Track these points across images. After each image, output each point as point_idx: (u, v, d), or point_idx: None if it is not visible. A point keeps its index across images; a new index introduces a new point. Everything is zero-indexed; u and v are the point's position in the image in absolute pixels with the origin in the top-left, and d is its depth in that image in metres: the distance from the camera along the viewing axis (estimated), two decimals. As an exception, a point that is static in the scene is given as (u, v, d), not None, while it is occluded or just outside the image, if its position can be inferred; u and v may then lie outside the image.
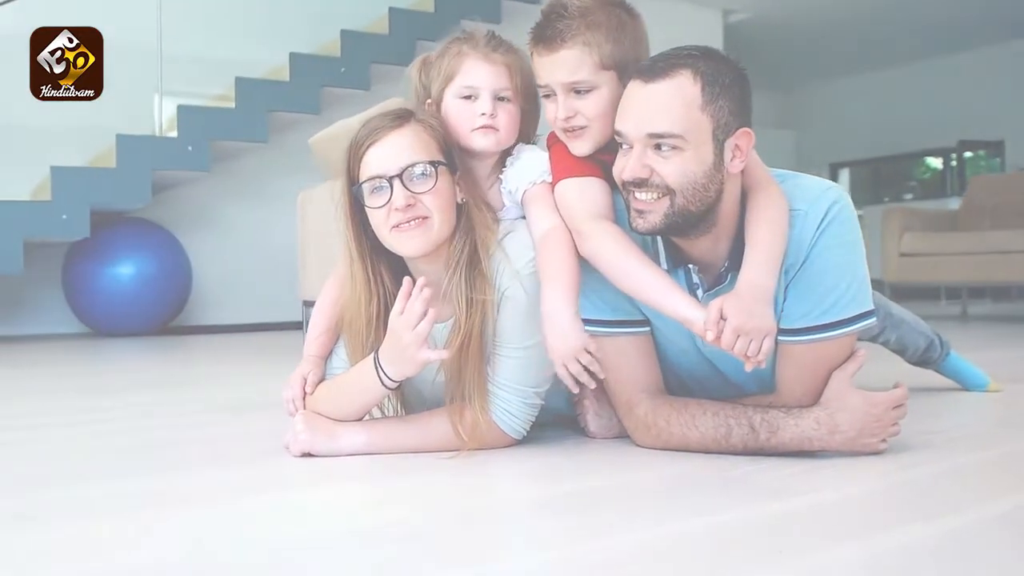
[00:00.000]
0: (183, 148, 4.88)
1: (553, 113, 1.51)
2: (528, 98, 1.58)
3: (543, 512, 1.24)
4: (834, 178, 10.59)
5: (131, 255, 4.84)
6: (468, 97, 1.54)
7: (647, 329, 1.55)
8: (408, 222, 1.46)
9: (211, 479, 1.44)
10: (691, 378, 1.61)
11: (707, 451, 1.48)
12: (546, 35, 1.48)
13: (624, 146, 1.41)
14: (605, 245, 1.44)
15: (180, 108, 4.94)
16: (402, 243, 1.49)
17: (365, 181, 1.47)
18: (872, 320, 1.48)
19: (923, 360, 2.15)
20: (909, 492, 1.28)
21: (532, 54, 1.52)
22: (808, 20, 8.18)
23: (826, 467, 1.39)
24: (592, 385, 1.42)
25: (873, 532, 1.08)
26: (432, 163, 1.47)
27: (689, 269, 1.48)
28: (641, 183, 1.38)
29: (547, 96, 1.52)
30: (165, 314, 5.05)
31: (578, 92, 1.48)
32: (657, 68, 1.38)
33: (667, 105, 1.35)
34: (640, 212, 1.40)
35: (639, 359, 1.55)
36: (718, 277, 1.46)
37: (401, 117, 1.50)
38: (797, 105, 10.71)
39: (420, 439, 1.54)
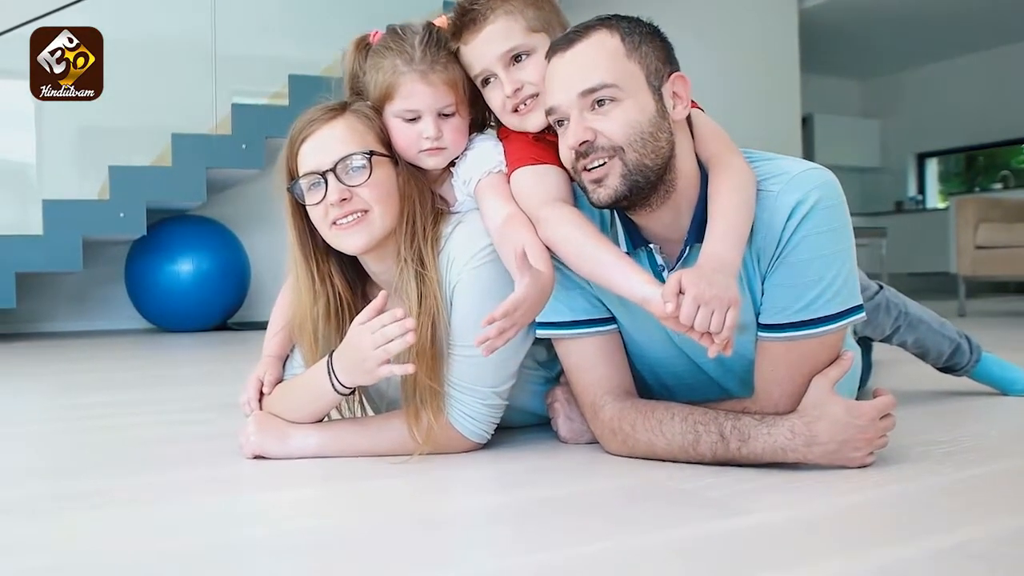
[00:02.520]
0: (237, 146, 4.94)
1: (500, 95, 1.42)
2: (476, 97, 1.48)
3: (484, 523, 1.17)
4: (921, 169, 10.10)
5: (190, 252, 4.92)
6: (411, 119, 1.45)
7: (611, 327, 1.44)
8: (346, 217, 1.40)
9: (161, 480, 1.40)
10: (669, 375, 1.49)
11: (675, 459, 1.36)
12: (466, 21, 1.41)
13: (563, 124, 1.32)
14: (562, 228, 1.33)
15: (234, 106, 5.00)
16: (343, 240, 1.42)
17: (302, 177, 1.41)
18: (859, 316, 1.34)
19: (949, 367, 1.96)
20: (882, 512, 1.14)
21: (458, 50, 1.44)
22: (890, 2, 7.80)
23: (798, 481, 1.25)
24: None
25: (819, 557, 0.95)
26: (366, 154, 1.40)
27: (651, 249, 1.37)
28: (588, 148, 1.29)
29: (487, 82, 1.44)
30: (224, 310, 5.12)
31: (517, 60, 1.41)
32: (571, 35, 1.33)
33: (592, 60, 1.29)
34: (597, 181, 1.30)
35: (603, 360, 1.44)
36: (681, 252, 1.35)
37: (334, 110, 1.44)
38: (881, 93, 10.24)
39: (374, 442, 1.47)
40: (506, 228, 1.36)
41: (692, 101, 1.44)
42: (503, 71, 1.40)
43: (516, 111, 1.42)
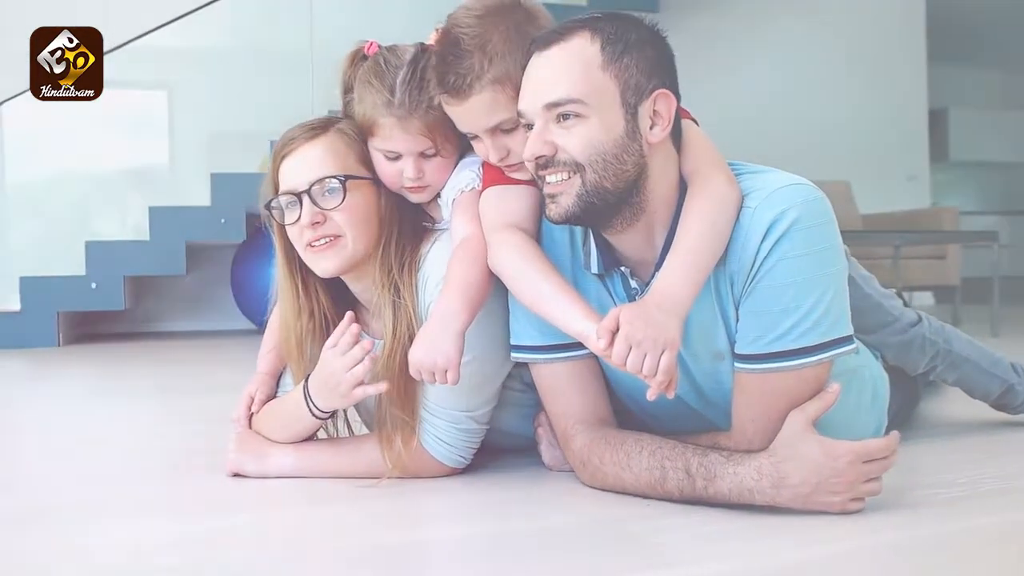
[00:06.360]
0: (331, 152, 5.05)
1: (484, 153, 1.35)
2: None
3: (416, 559, 1.12)
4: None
5: (289, 256, 5.08)
6: (393, 158, 1.41)
7: (584, 352, 1.36)
8: (319, 240, 1.38)
9: (135, 496, 1.43)
10: (648, 402, 1.40)
11: (644, 496, 1.27)
12: (449, 83, 1.30)
13: (529, 129, 1.24)
14: (505, 256, 1.28)
15: (329, 113, 5.10)
16: (315, 262, 1.41)
17: (280, 196, 1.41)
18: (845, 349, 1.22)
19: (999, 406, 1.78)
20: (839, 572, 1.02)
21: (440, 101, 1.33)
22: (1032, -15, 7.24)
23: (764, 528, 1.14)
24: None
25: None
26: (341, 178, 1.37)
27: (624, 273, 1.30)
28: (547, 162, 1.21)
29: (473, 138, 1.36)
30: (321, 312, 5.25)
31: (504, 131, 1.32)
32: (552, 35, 1.23)
33: (563, 69, 1.20)
34: (552, 197, 1.23)
35: (575, 386, 1.37)
36: (651, 276, 1.26)
37: (316, 128, 1.42)
38: (1026, 82, 9.53)
39: (350, 464, 1.45)
40: (458, 253, 1.33)
41: (686, 111, 1.35)
42: (488, 138, 1.32)
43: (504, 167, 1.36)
